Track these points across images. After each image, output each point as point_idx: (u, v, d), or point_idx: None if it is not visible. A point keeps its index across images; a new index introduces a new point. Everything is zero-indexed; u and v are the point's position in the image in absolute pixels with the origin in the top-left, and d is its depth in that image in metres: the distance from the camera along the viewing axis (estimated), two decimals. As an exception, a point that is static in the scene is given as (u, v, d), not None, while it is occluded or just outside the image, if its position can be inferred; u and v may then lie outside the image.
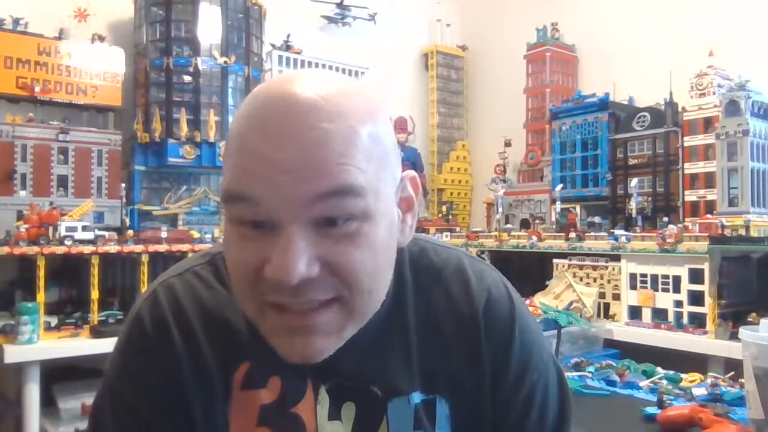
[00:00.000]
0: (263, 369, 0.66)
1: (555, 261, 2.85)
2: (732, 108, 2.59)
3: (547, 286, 2.79)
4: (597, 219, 3.07)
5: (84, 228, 2.38)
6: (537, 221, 3.42)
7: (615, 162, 3.09)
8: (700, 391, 1.59)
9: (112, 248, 2.38)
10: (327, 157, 0.55)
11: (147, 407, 0.66)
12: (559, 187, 3.23)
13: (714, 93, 2.74)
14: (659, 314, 2.42)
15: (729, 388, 1.61)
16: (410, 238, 0.68)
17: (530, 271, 2.97)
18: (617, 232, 2.70)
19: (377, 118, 0.60)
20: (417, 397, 0.69)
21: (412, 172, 0.67)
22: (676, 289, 2.36)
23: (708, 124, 2.76)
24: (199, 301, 0.69)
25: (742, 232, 2.41)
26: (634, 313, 2.50)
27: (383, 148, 0.60)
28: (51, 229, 2.33)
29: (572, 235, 2.83)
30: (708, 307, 2.24)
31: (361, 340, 0.65)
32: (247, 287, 0.58)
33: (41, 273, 2.23)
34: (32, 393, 2.16)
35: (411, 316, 0.71)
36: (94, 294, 2.34)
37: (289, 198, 0.54)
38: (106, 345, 2.27)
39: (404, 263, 0.73)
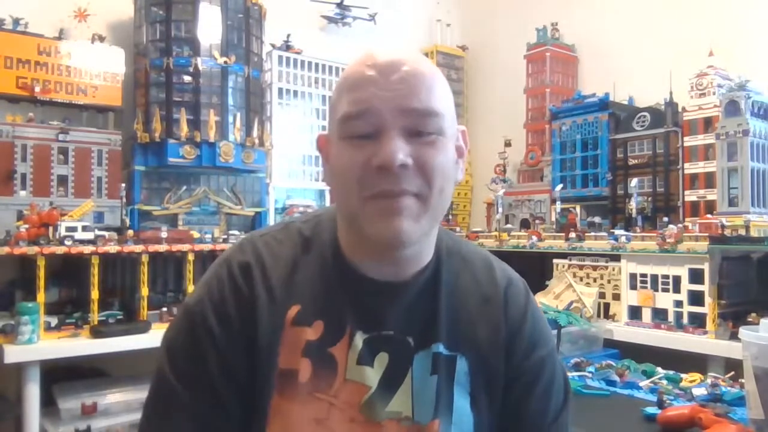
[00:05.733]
0: (311, 312, 0.81)
1: (555, 261, 2.85)
2: (732, 108, 2.59)
3: (547, 286, 2.79)
4: (597, 219, 3.07)
5: (84, 228, 2.38)
6: (537, 221, 3.42)
7: (615, 162, 3.09)
8: (700, 391, 1.59)
9: (112, 248, 2.38)
10: (421, 86, 0.76)
11: (223, 332, 0.79)
12: (559, 187, 3.23)
13: (714, 93, 2.74)
14: (659, 314, 2.42)
15: (729, 388, 1.61)
16: (461, 178, 0.85)
17: (530, 271, 2.96)
18: (617, 232, 2.70)
19: (445, 80, 0.82)
20: (439, 348, 0.83)
21: (462, 127, 0.85)
22: (676, 289, 2.36)
23: (708, 124, 2.76)
24: (274, 254, 0.84)
25: (742, 232, 2.42)
26: (634, 313, 2.50)
27: (450, 97, 0.81)
28: (51, 229, 2.33)
29: (572, 235, 2.83)
30: (708, 307, 2.24)
31: (405, 297, 0.82)
32: (354, 184, 0.75)
33: (41, 273, 2.23)
34: (32, 393, 2.16)
35: (443, 288, 0.86)
36: (94, 294, 2.34)
37: (393, 108, 0.74)
38: (106, 345, 2.28)
39: (442, 248, 0.88)
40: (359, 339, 0.80)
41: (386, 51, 0.79)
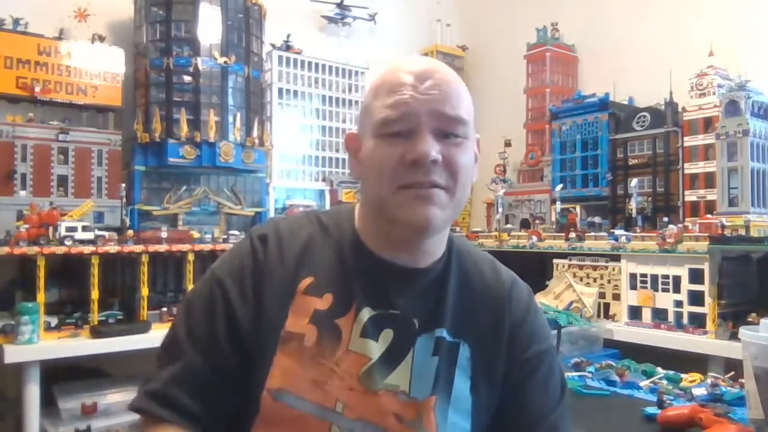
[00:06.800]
0: (322, 285, 0.89)
1: (555, 261, 2.85)
2: (732, 108, 2.59)
3: (547, 286, 2.79)
4: (597, 219, 3.07)
5: (84, 228, 2.38)
6: (537, 221, 3.42)
7: (615, 162, 3.09)
8: (700, 391, 1.59)
9: (112, 248, 2.38)
10: (451, 93, 0.86)
11: (237, 296, 0.87)
12: (559, 187, 3.23)
13: (714, 93, 2.74)
14: (659, 314, 2.42)
15: (729, 388, 1.61)
16: (476, 179, 0.95)
17: (530, 271, 2.96)
18: (617, 232, 2.70)
19: (467, 90, 0.92)
20: (442, 333, 0.89)
21: (477, 135, 0.94)
22: (676, 289, 2.36)
23: (708, 124, 2.76)
24: (292, 231, 0.93)
25: (742, 232, 2.42)
26: (634, 313, 2.50)
27: (472, 107, 0.91)
28: (51, 229, 2.33)
29: (572, 235, 2.83)
30: (708, 307, 2.24)
31: (418, 282, 0.90)
32: (388, 175, 0.83)
33: (41, 273, 2.23)
34: (32, 393, 2.16)
35: (452, 279, 0.94)
36: (94, 294, 2.34)
37: (428, 110, 0.84)
38: (106, 345, 2.28)
39: (452, 245, 0.96)
40: (365, 314, 0.87)
41: (419, 60, 0.90)
